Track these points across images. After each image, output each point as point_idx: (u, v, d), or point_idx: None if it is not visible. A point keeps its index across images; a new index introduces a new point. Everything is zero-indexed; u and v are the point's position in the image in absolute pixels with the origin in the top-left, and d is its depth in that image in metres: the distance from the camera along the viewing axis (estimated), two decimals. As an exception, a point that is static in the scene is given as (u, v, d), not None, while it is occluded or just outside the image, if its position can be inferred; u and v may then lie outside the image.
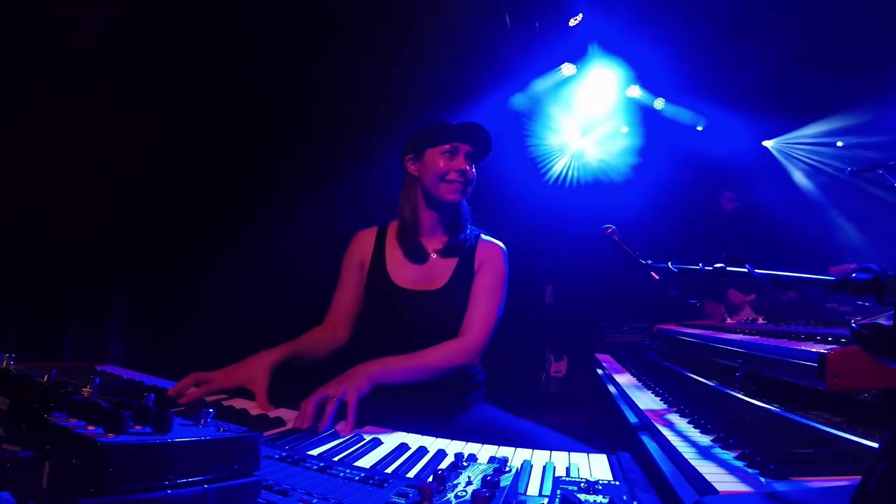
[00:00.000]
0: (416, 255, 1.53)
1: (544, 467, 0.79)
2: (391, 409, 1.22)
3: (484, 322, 1.45)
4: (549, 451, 0.89)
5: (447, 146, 1.50)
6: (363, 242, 1.61)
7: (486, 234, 1.62)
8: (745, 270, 0.89)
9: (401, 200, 1.59)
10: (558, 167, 4.79)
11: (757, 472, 0.73)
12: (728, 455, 0.82)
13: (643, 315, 3.58)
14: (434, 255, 1.55)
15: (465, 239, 1.55)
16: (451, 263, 1.54)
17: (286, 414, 1.11)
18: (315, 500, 0.60)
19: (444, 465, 0.80)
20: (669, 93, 4.43)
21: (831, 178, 4.34)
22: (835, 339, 1.02)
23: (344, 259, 1.61)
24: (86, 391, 0.61)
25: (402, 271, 1.54)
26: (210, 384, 1.21)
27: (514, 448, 0.92)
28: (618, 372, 1.94)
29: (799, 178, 4.59)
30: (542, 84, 4.23)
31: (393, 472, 0.76)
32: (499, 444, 0.94)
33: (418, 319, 1.48)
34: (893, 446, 0.43)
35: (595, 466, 0.83)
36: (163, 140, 2.77)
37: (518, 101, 4.26)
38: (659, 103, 4.48)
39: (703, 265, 1.03)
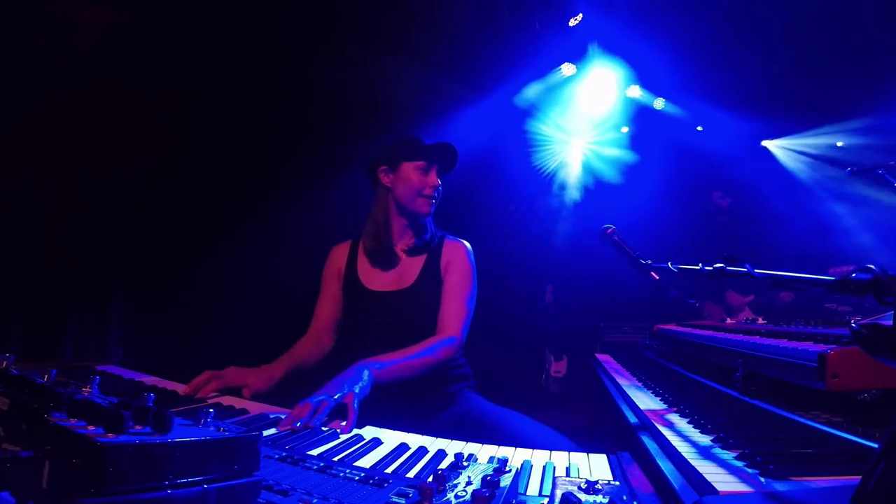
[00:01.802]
0: (386, 259, 1.65)
1: (544, 467, 0.79)
2: (379, 402, 1.25)
3: (457, 318, 1.56)
4: (548, 451, 0.90)
5: (422, 163, 1.62)
6: (338, 255, 1.74)
7: (450, 236, 1.72)
8: (745, 271, 0.89)
9: (374, 209, 1.69)
10: (558, 167, 4.79)
11: (757, 472, 0.73)
12: (728, 455, 0.82)
13: (643, 315, 3.58)
14: (401, 257, 1.66)
15: (430, 239, 1.67)
16: (418, 263, 1.64)
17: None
18: (315, 500, 0.60)
19: (444, 465, 0.80)
20: (669, 93, 4.43)
21: (831, 178, 4.34)
22: (835, 339, 1.02)
23: (323, 272, 1.74)
24: (86, 391, 0.61)
25: (372, 276, 1.65)
26: (223, 380, 1.31)
27: (514, 448, 0.92)
28: (618, 372, 1.94)
29: (798, 178, 4.58)
30: (541, 84, 4.23)
31: (393, 472, 0.76)
32: (477, 430, 0.96)
33: (390, 318, 1.59)
34: (893, 446, 0.43)
35: (595, 466, 0.83)
36: (162, 140, 2.77)
37: (518, 101, 4.26)
38: (659, 103, 4.48)
39: (703, 265, 1.03)
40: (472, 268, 1.66)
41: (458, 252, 1.66)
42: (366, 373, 1.22)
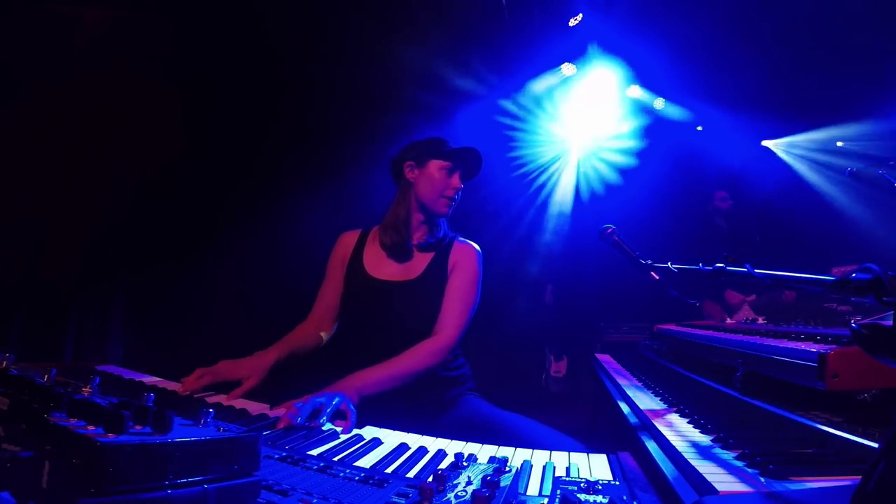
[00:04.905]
0: (401, 252, 1.65)
1: (544, 467, 0.79)
2: (381, 409, 1.25)
3: (456, 323, 1.56)
4: (548, 451, 0.90)
5: (448, 164, 1.64)
6: (346, 242, 1.73)
7: (461, 238, 1.73)
8: (745, 271, 0.89)
9: (395, 202, 1.69)
10: (558, 167, 4.79)
11: (757, 472, 0.73)
12: (728, 455, 0.82)
13: (643, 315, 3.58)
14: (412, 251, 1.66)
15: (442, 237, 1.67)
16: (426, 258, 1.65)
17: (286, 414, 1.11)
18: (315, 500, 0.60)
19: (444, 465, 0.80)
20: (669, 93, 4.43)
21: (831, 178, 4.33)
22: (835, 339, 1.02)
23: (329, 258, 1.74)
24: (86, 391, 0.61)
25: (377, 266, 1.65)
26: (216, 374, 1.32)
27: (514, 448, 0.92)
28: (618, 372, 1.94)
29: (799, 178, 4.58)
30: (542, 84, 4.22)
31: (393, 472, 0.76)
32: (483, 435, 0.96)
33: (390, 307, 1.58)
34: (893, 446, 0.43)
35: (595, 466, 0.83)
36: (162, 141, 2.77)
37: (518, 100, 4.26)
38: (659, 103, 4.48)
39: (703, 265, 1.03)
40: (478, 272, 1.66)
41: (467, 255, 1.66)
42: (354, 386, 1.23)
